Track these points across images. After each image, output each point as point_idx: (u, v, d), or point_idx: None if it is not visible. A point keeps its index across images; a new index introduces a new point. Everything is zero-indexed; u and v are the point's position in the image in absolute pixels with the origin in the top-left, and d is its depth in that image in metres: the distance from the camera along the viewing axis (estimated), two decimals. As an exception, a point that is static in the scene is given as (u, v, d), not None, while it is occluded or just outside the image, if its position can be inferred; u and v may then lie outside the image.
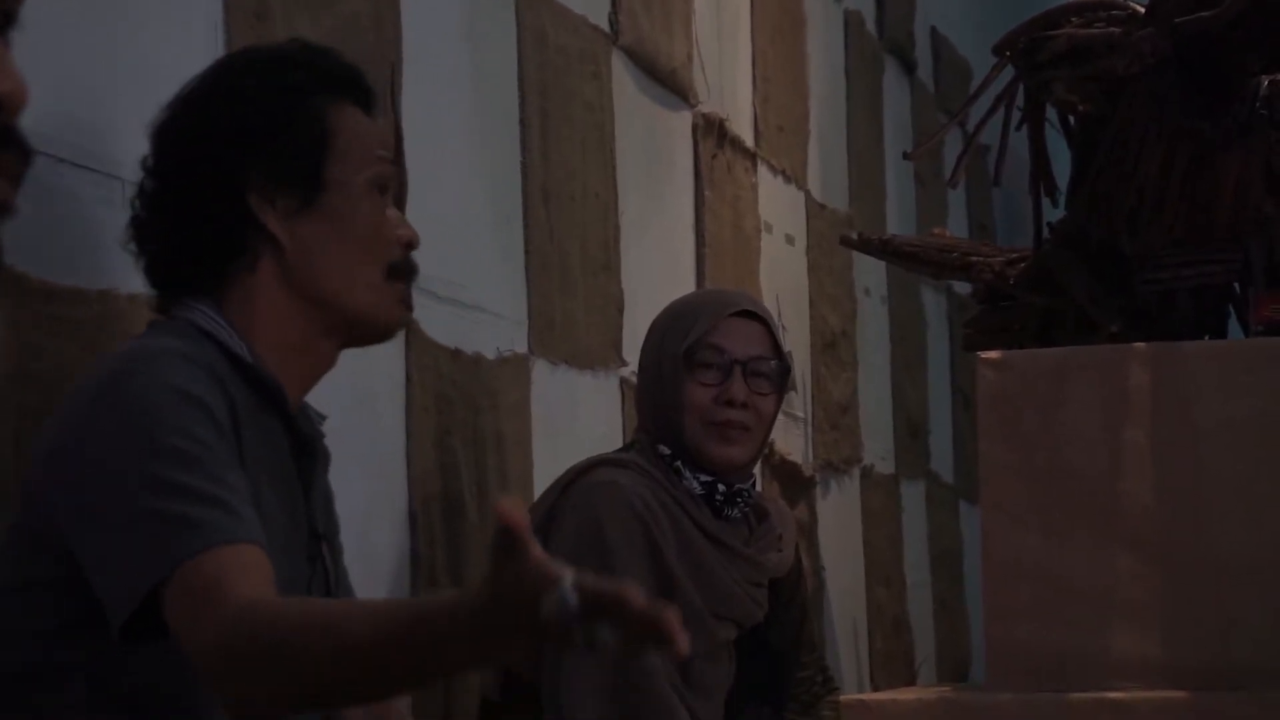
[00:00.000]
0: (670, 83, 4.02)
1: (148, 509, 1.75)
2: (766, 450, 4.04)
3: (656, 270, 3.87)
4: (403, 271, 2.07)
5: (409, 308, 2.10)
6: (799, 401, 4.71)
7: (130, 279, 2.19)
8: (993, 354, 3.17)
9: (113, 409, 1.82)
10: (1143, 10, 3.17)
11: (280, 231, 1.99)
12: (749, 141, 4.50)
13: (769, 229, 4.60)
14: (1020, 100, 3.38)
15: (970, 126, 3.58)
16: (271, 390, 1.97)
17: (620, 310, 3.66)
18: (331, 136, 2.02)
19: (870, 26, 5.61)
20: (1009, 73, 3.38)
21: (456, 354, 3.04)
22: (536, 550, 1.46)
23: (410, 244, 2.08)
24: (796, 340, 4.69)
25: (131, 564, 1.74)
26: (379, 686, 1.66)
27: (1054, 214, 3.42)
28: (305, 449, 2.04)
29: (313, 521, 2.06)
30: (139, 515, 1.75)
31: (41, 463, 1.86)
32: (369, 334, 2.09)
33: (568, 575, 1.43)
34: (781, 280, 4.66)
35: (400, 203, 2.66)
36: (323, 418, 2.14)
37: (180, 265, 2.01)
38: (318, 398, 2.11)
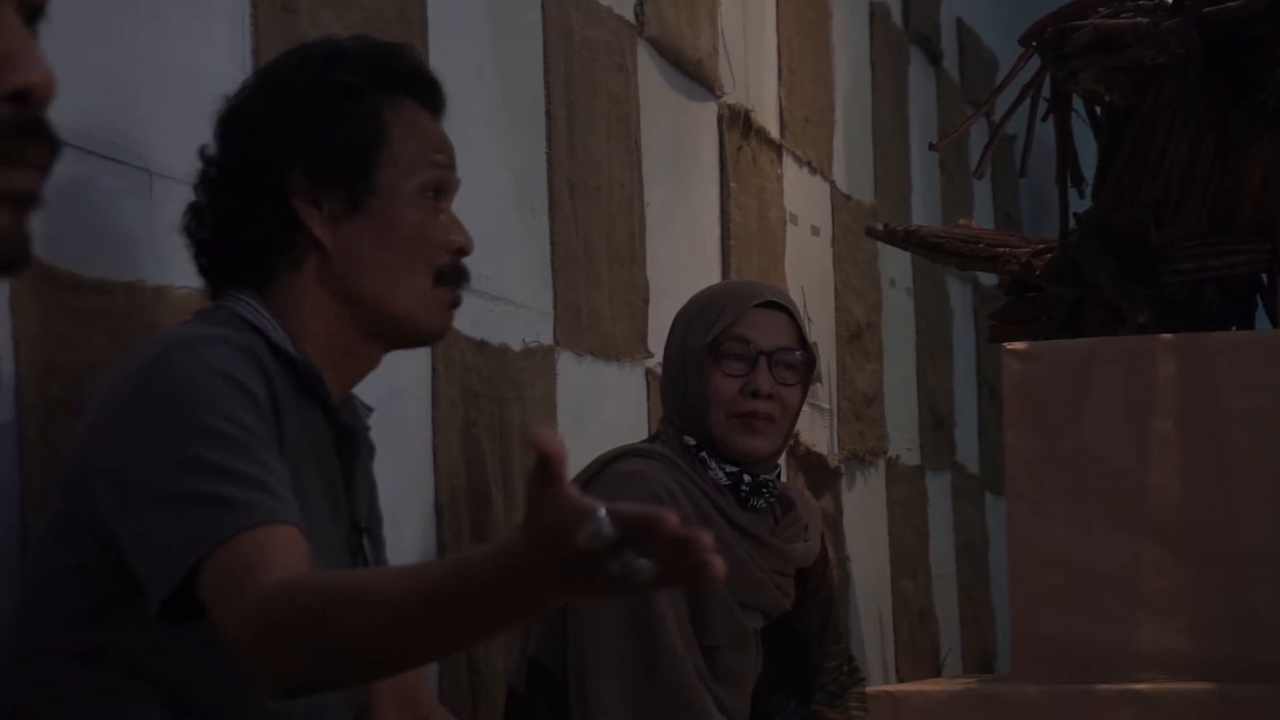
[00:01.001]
0: (696, 74, 4.02)
1: (187, 490, 1.76)
2: (792, 441, 4.04)
3: (682, 262, 3.87)
4: (451, 277, 2.05)
5: (454, 308, 2.08)
6: (824, 392, 4.71)
7: (157, 271, 2.19)
8: (1018, 345, 3.17)
9: (153, 391, 1.82)
10: (1170, 0, 3.17)
11: (324, 234, 1.99)
12: (774, 133, 4.50)
13: (794, 220, 4.60)
14: (1046, 91, 3.38)
15: (996, 117, 3.58)
16: (312, 380, 1.97)
17: (646, 301, 3.66)
18: (383, 139, 2.01)
19: (896, 17, 5.61)
20: (1035, 63, 3.38)
21: (482, 346, 3.04)
22: (571, 487, 1.46)
23: (462, 250, 2.05)
24: (821, 331, 4.69)
25: (170, 544, 1.75)
26: (422, 648, 1.66)
27: (1080, 205, 3.41)
28: (348, 441, 2.04)
29: (354, 514, 2.06)
30: (179, 496, 1.76)
31: (83, 446, 1.87)
32: (413, 339, 2.08)
33: (602, 505, 1.43)
34: (807, 271, 4.66)
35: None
36: (369, 410, 2.14)
37: (226, 258, 2.02)
38: (345, 389, 2.11)
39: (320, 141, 1.99)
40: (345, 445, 2.04)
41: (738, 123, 4.22)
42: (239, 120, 2.02)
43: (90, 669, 1.86)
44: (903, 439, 5.41)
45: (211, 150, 2.03)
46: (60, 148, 1.05)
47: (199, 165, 2.03)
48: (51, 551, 1.88)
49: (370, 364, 2.07)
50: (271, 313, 1.98)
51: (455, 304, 2.08)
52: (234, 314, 1.97)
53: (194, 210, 2.04)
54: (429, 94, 2.08)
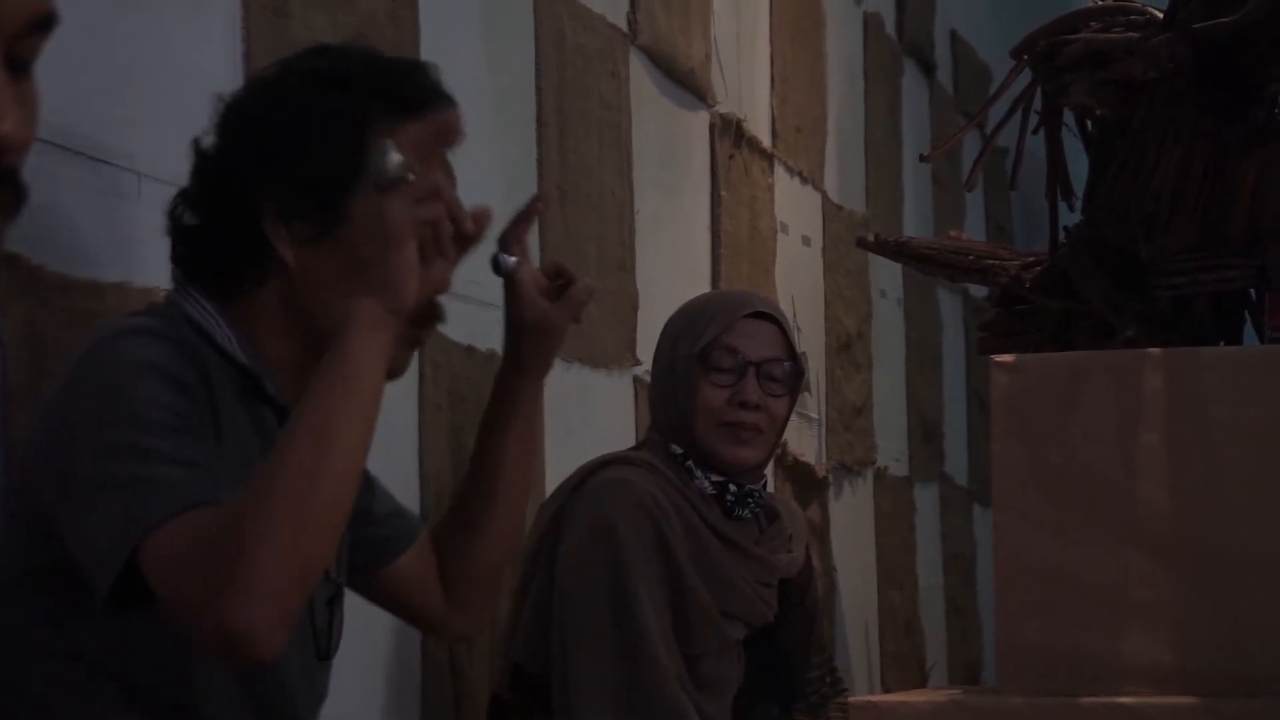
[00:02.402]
0: (688, 82, 4.02)
1: (121, 477, 1.74)
2: (779, 451, 4.04)
3: (672, 270, 3.87)
4: (417, 317, 1.93)
5: (415, 346, 2.01)
6: (813, 402, 4.71)
7: (145, 273, 2.19)
8: (1007, 357, 3.17)
9: (80, 389, 1.81)
10: (1161, 15, 3.17)
11: (289, 256, 1.92)
12: (766, 142, 4.50)
13: (785, 230, 4.60)
14: (1038, 104, 3.38)
15: (988, 129, 3.57)
16: (252, 379, 1.94)
17: (635, 309, 3.66)
18: (366, 168, 1.92)
19: (890, 28, 5.61)
20: (1027, 76, 3.38)
21: (470, 351, 3.04)
22: None
23: (438, 290, 1.95)
24: (811, 341, 4.69)
25: (107, 533, 1.73)
26: (322, 473, 1.70)
27: (1071, 218, 3.41)
28: None
29: None
30: (112, 485, 1.74)
31: (29, 447, 1.87)
32: None
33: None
34: (797, 281, 4.66)
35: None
36: None
37: (194, 261, 1.99)
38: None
39: (301, 165, 1.92)
40: None
41: (729, 132, 4.22)
42: (232, 124, 1.98)
43: (58, 672, 1.84)
44: (891, 449, 5.41)
45: (207, 143, 1.99)
46: (27, 196, 1.05)
47: (192, 156, 1.99)
48: (9, 555, 1.87)
49: None
50: (225, 319, 1.94)
51: (416, 344, 2.01)
52: (179, 309, 1.93)
53: (183, 196, 2.00)
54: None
